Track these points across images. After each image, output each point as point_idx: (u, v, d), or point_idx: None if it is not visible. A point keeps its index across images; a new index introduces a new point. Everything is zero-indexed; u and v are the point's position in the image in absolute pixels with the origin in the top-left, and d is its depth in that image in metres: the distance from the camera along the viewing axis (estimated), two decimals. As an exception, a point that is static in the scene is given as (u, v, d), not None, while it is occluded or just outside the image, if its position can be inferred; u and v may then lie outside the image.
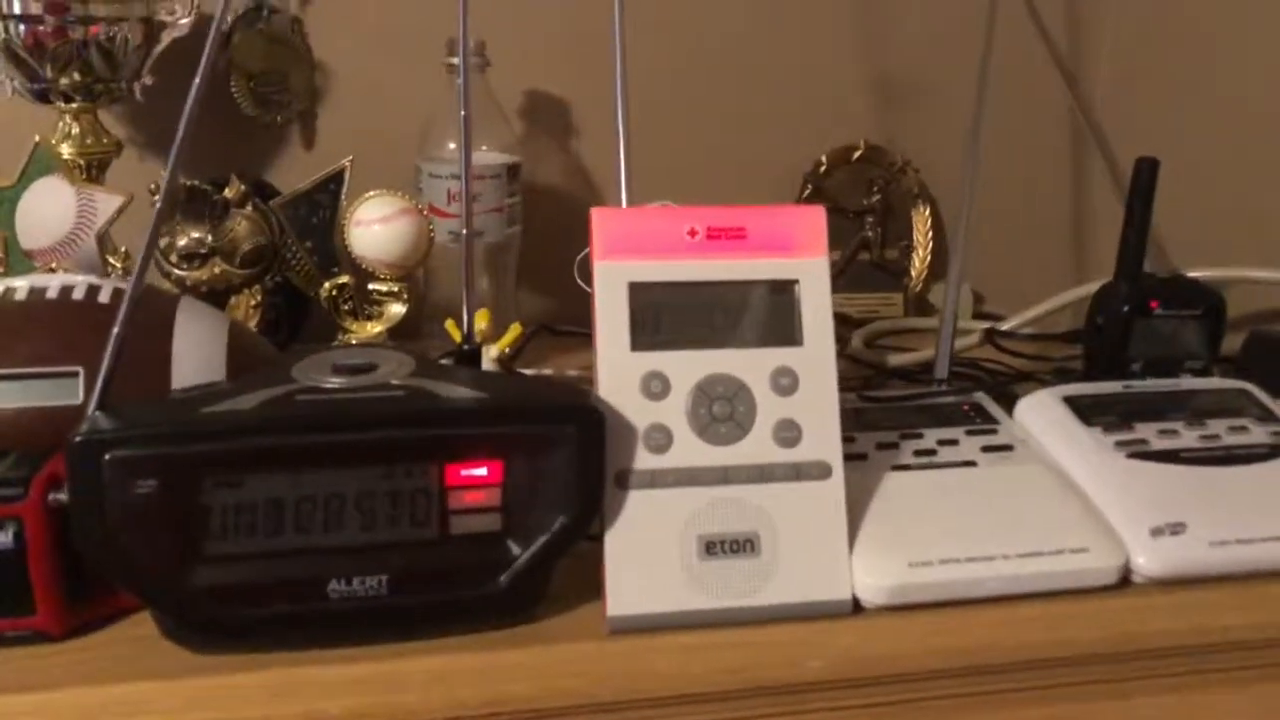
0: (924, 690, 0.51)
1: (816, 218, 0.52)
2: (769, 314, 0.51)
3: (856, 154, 0.97)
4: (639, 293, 0.50)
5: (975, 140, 0.69)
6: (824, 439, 0.50)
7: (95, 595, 0.46)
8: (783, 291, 0.51)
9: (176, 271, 0.66)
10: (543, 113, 0.91)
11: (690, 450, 0.49)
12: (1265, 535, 0.54)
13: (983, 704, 0.52)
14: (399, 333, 0.74)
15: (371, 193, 0.68)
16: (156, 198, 0.66)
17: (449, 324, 0.71)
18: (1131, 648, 0.53)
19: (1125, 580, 0.53)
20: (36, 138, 0.68)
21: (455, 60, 0.78)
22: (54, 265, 0.64)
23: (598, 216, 0.50)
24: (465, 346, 0.52)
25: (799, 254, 0.51)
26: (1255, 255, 0.79)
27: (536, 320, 0.88)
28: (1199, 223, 0.85)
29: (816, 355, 0.51)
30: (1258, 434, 0.60)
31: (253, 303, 0.68)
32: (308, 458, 0.44)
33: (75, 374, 0.50)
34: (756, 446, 0.50)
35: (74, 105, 0.72)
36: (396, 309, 0.70)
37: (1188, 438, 0.59)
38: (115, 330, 0.44)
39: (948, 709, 0.52)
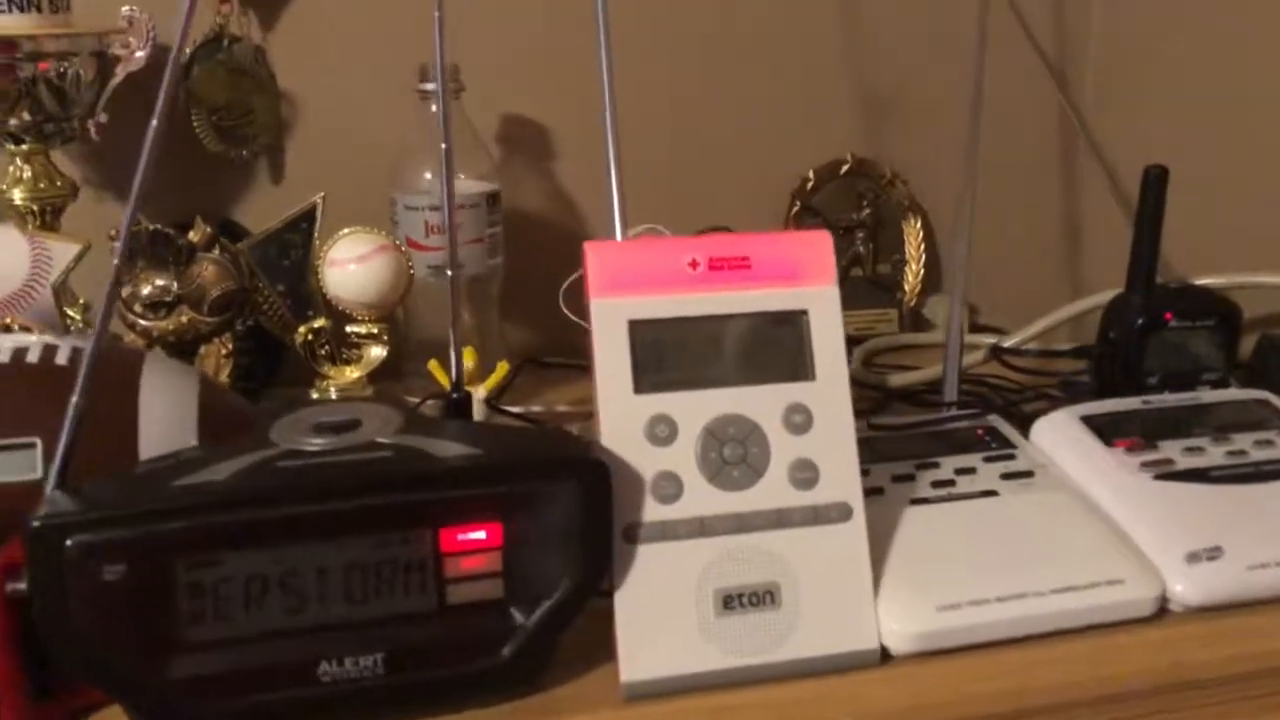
0: (960, 741, 0.48)
1: (823, 243, 0.49)
2: (778, 347, 0.48)
3: (844, 168, 0.94)
4: (640, 331, 0.46)
5: (972, 152, 0.67)
6: (843, 478, 0.47)
7: (60, 691, 0.42)
8: (791, 323, 0.48)
9: (141, 322, 0.63)
10: (519, 138, 0.87)
11: (702, 498, 0.46)
12: (1307, 557, 0.51)
13: (1022, 751, 0.49)
14: (380, 375, 0.70)
15: (345, 230, 0.65)
16: (116, 244, 0.62)
17: (433, 365, 0.68)
18: (1174, 680, 0.50)
19: (1163, 610, 0.51)
20: (-15, 183, 0.64)
21: (429, 86, 0.75)
22: (8, 321, 0.60)
23: (592, 251, 0.47)
24: (454, 395, 0.49)
25: (806, 282, 0.48)
26: (1255, 259, 0.77)
27: (523, 353, 0.85)
28: (1199, 229, 0.84)
29: (830, 389, 0.48)
30: (1285, 447, 0.57)
31: (224, 352, 0.64)
32: (291, 530, 0.40)
33: (32, 445, 0.46)
34: (772, 490, 0.47)
35: (24, 147, 0.68)
36: (376, 352, 0.66)
37: (1214, 455, 0.56)
38: (74, 399, 0.41)
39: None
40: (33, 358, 0.48)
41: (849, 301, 0.93)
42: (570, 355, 0.82)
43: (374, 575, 0.41)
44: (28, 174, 0.68)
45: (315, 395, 0.66)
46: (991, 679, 0.47)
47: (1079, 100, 0.96)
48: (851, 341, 0.90)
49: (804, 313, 0.48)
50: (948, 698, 0.47)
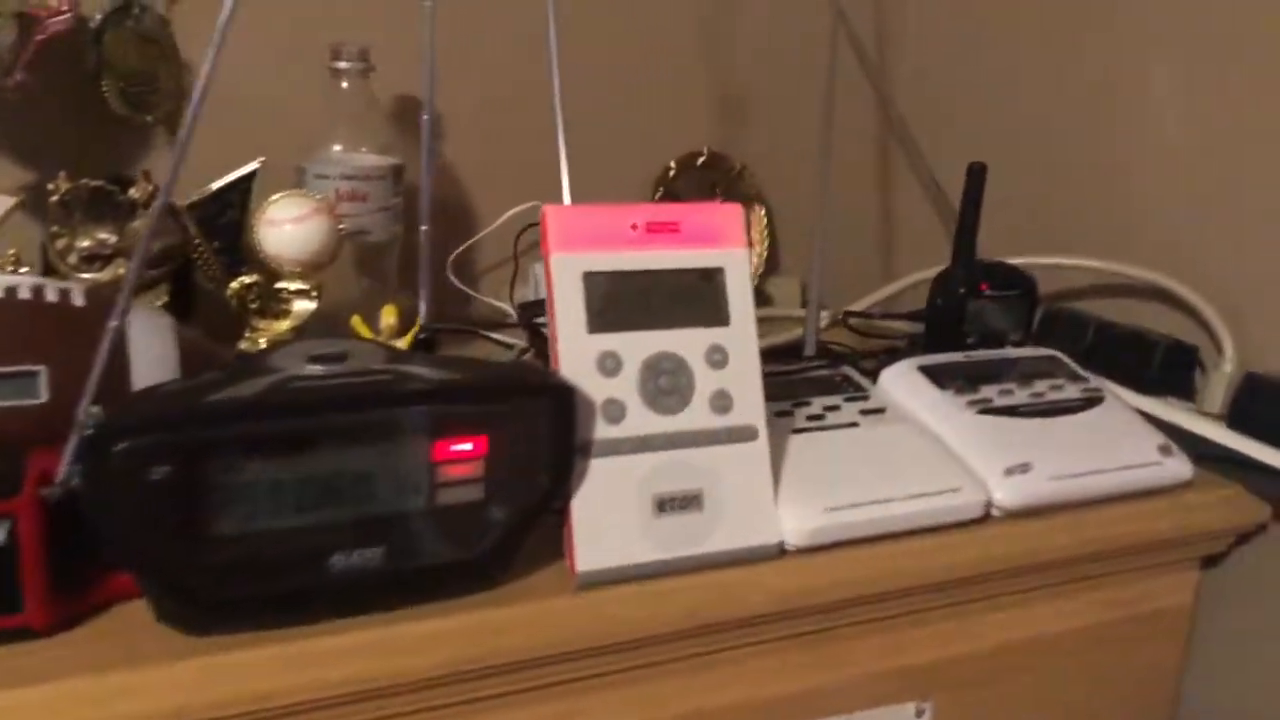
0: (843, 617, 0.60)
1: (736, 215, 0.59)
2: (702, 297, 0.58)
3: (700, 159, 1.05)
4: (592, 281, 0.55)
5: (825, 145, 0.78)
6: (751, 406, 0.58)
7: (81, 588, 0.47)
8: (712, 278, 0.58)
9: (77, 275, 0.65)
10: (414, 117, 0.93)
11: (642, 420, 0.55)
12: (1088, 470, 0.66)
13: (879, 628, 0.62)
14: (301, 332, 0.75)
15: (282, 193, 0.70)
16: (53, 199, 0.65)
17: (355, 320, 0.73)
18: (996, 569, 0.63)
19: (987, 514, 0.64)
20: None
21: (341, 65, 0.81)
22: (-56, 269, 0.61)
23: (551, 213, 0.55)
24: (422, 335, 0.56)
25: (724, 245, 0.58)
26: (1040, 242, 0.93)
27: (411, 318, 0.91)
28: (1006, 215, 1.00)
29: (741, 333, 0.58)
30: (1071, 391, 0.72)
31: (158, 303, 0.67)
32: (310, 438, 0.46)
33: (37, 372, 0.50)
34: (696, 414, 0.56)
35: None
36: (304, 305, 0.71)
37: (1021, 395, 0.71)
38: (111, 323, 0.45)
39: (863, 631, 0.61)
40: (25, 294, 0.51)
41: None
42: (461, 323, 0.89)
43: (379, 479, 0.48)
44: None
45: (244, 347, 0.70)
46: (864, 566, 0.59)
47: (902, 96, 1.11)
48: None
49: (722, 270, 0.58)
50: (831, 581, 0.58)
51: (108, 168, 0.78)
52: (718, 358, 0.57)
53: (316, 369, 0.49)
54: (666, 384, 0.56)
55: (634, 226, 0.57)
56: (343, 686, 0.48)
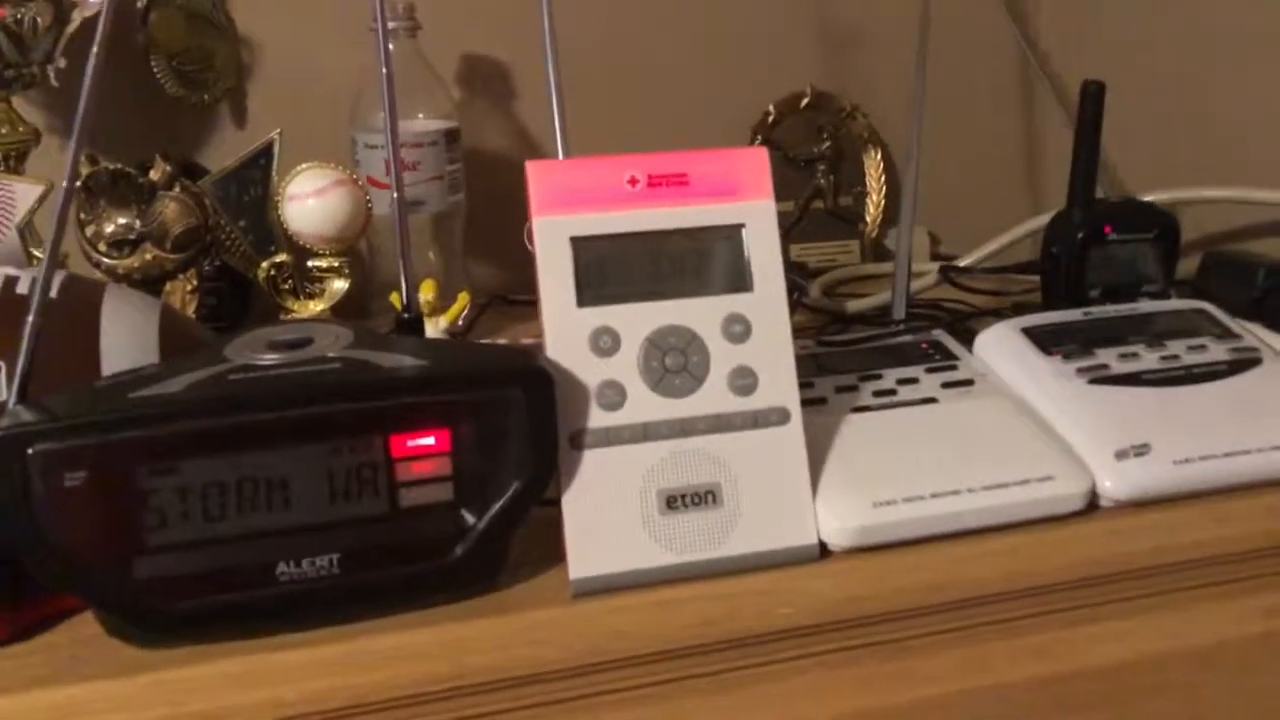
0: (896, 631, 0.51)
1: (759, 159, 0.50)
2: (717, 261, 0.49)
3: (804, 101, 0.95)
4: (582, 247, 0.48)
5: (920, 79, 0.68)
6: (780, 384, 0.49)
7: (32, 598, 0.44)
8: (729, 237, 0.50)
9: (106, 260, 0.64)
10: (482, 76, 0.88)
11: (645, 405, 0.48)
12: (1228, 450, 0.54)
13: (954, 640, 0.52)
14: (344, 311, 0.72)
15: (303, 165, 0.66)
16: (76, 184, 0.64)
17: (394, 297, 0.69)
18: (1101, 571, 0.52)
19: (1094, 505, 0.53)
20: (-51, 131, 0.65)
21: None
22: (-25, 261, 0.61)
23: (534, 170, 0.48)
24: (405, 315, 0.50)
25: (744, 197, 0.50)
26: (1209, 175, 0.78)
27: (490, 291, 0.86)
28: (1152, 144, 0.85)
29: (768, 300, 0.50)
30: (1216, 352, 0.59)
31: (189, 288, 0.65)
32: (245, 438, 0.42)
33: (-3, 369, 0.48)
34: (712, 396, 0.48)
35: (-14, 93, 0.69)
36: (339, 285, 0.68)
37: (1148, 359, 0.58)
38: (29, 318, 0.42)
39: (920, 648, 0.51)
40: (-7, 288, 0.50)
41: (812, 233, 0.97)
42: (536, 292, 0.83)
43: (328, 480, 0.43)
44: (-9, 120, 0.69)
45: (281, 330, 0.67)
46: (924, 572, 0.50)
47: (1034, 24, 0.97)
48: (813, 272, 0.92)
49: (741, 226, 0.50)
50: (882, 590, 0.49)
51: (171, 152, 0.77)
52: (738, 329, 0.49)
53: (268, 358, 0.45)
54: (674, 362, 0.48)
55: (633, 181, 0.49)
56: (298, 707, 0.43)
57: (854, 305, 0.80)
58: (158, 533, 0.42)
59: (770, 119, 0.95)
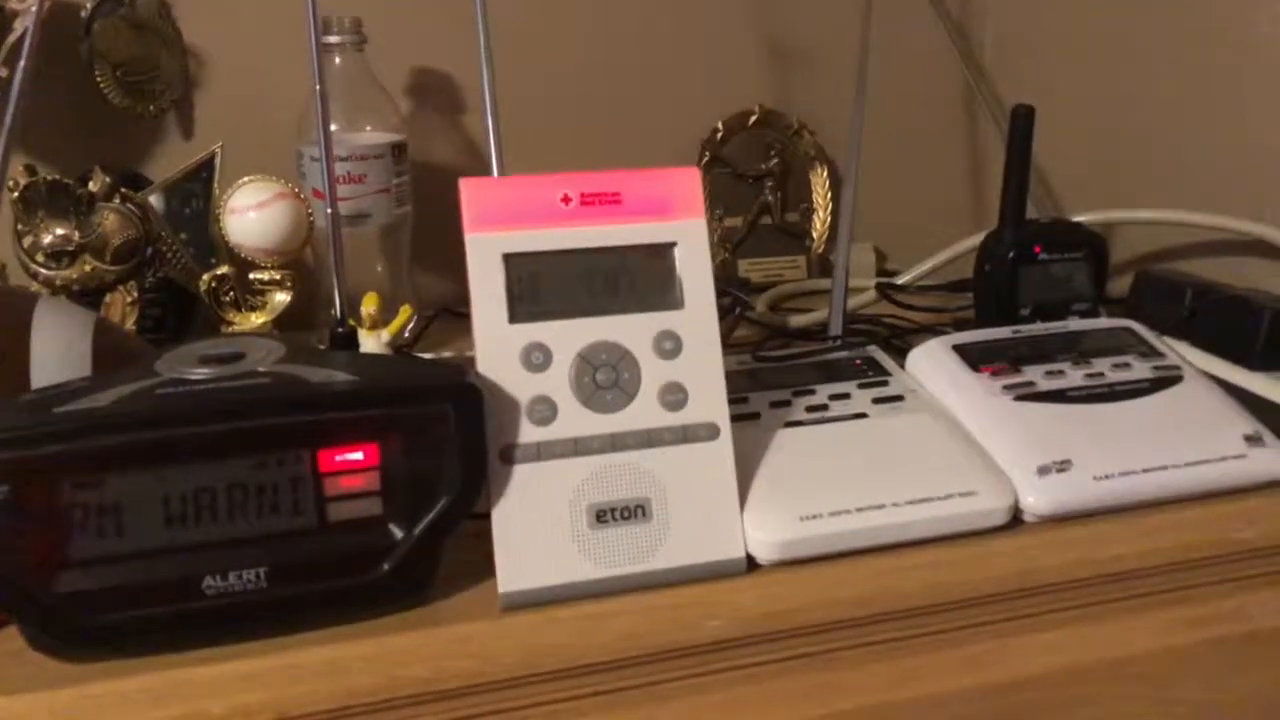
0: (824, 643, 0.51)
1: (692, 179, 0.51)
2: (649, 278, 0.50)
3: (752, 119, 0.97)
4: (514, 264, 0.49)
5: (859, 101, 0.69)
6: (710, 400, 0.50)
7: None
8: (661, 255, 0.50)
9: (44, 271, 0.64)
10: (431, 90, 0.89)
11: (576, 420, 0.48)
12: (1146, 466, 0.55)
13: (884, 652, 0.53)
14: (288, 324, 0.72)
15: (245, 179, 0.66)
16: (14, 194, 0.63)
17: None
18: (1023, 585, 0.53)
19: (1017, 520, 0.54)
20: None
21: (331, 39, 0.77)
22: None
23: (467, 187, 0.49)
24: (339, 329, 0.51)
25: (676, 216, 0.51)
26: (1144, 197, 0.80)
27: (438, 304, 0.87)
28: (1087, 166, 0.87)
29: (698, 317, 0.50)
30: (1140, 369, 0.61)
31: (129, 300, 0.65)
32: (169, 452, 0.42)
33: (-77, 383, 0.47)
34: (643, 412, 0.49)
35: (-75, 103, 0.68)
36: (281, 298, 0.68)
37: (1073, 377, 0.60)
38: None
39: (849, 660, 0.52)
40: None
41: (759, 249, 0.98)
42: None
43: (254, 494, 0.43)
44: (-72, 129, 0.69)
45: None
46: (849, 585, 0.50)
47: (978, 47, 0.99)
48: (759, 287, 0.93)
49: (673, 245, 0.50)
50: (808, 602, 0.50)
51: (115, 163, 0.77)
52: (669, 346, 0.50)
53: (198, 372, 0.45)
54: (605, 378, 0.49)
55: (565, 199, 0.50)
56: (225, 720, 0.44)
57: (797, 320, 0.82)
58: (81, 546, 0.42)
59: (719, 136, 0.96)
